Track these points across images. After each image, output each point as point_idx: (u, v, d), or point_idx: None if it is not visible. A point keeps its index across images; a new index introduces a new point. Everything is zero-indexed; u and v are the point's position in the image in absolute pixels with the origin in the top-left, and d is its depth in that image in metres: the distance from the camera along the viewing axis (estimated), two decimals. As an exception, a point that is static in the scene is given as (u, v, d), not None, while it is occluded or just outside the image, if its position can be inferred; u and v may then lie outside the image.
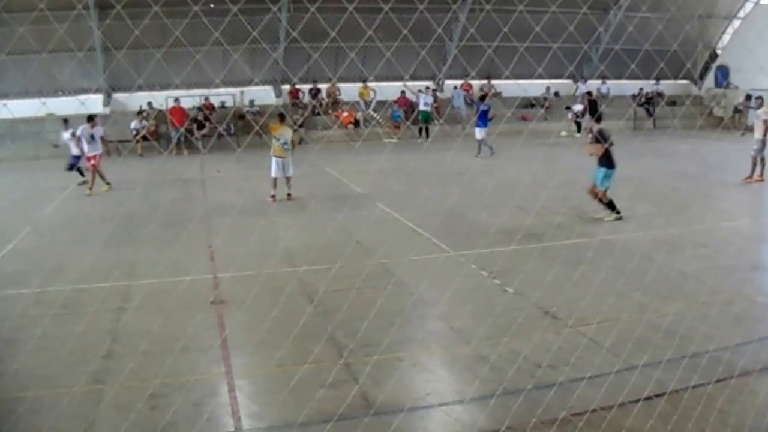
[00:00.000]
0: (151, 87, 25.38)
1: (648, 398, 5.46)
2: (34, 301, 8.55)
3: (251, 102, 27.97)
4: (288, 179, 15.10)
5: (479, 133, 21.73)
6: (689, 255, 10.16)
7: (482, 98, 24.06)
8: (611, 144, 11.89)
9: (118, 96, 27.64)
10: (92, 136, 17.11)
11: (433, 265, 9.76)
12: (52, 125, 24.92)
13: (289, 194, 15.16)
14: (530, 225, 10.79)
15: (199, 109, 26.62)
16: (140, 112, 26.09)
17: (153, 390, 5.88)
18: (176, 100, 25.71)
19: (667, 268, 9.25)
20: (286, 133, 15.08)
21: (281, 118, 16.06)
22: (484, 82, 30.73)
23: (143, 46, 19.67)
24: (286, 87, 29.38)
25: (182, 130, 25.40)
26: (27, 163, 23.32)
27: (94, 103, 26.61)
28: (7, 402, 5.92)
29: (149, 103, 26.66)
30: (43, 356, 6.72)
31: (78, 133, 17.42)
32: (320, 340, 6.71)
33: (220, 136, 24.69)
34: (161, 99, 25.75)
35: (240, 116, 27.05)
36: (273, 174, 15.08)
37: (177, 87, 23.70)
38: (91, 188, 17.02)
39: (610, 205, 12.31)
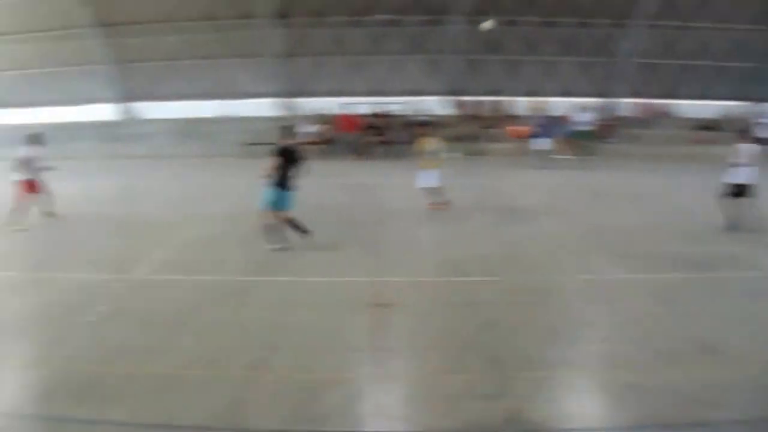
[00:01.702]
0: (331, 93, 26.66)
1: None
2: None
3: (423, 112, 28.28)
4: (437, 189, 14.50)
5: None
6: None
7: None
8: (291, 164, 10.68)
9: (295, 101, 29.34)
10: None
11: (603, 286, 9.37)
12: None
13: (441, 203, 14.53)
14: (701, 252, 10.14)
15: (374, 116, 27.44)
16: (315, 119, 27.20)
17: (305, 384, 6.14)
18: (352, 107, 26.57)
19: None
20: (432, 144, 14.57)
21: (427, 127, 15.65)
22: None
23: (326, 53, 20.67)
24: (461, 98, 29.49)
25: (357, 136, 26.20)
26: (206, 160, 25.83)
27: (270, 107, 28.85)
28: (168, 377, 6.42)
29: (324, 111, 27.94)
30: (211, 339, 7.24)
31: None
32: (477, 352, 6.75)
33: (391, 144, 25.17)
34: (336, 105, 26.90)
35: (411, 125, 27.50)
36: (424, 184, 14.63)
37: (356, 94, 24.73)
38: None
39: (271, 231, 10.84)
